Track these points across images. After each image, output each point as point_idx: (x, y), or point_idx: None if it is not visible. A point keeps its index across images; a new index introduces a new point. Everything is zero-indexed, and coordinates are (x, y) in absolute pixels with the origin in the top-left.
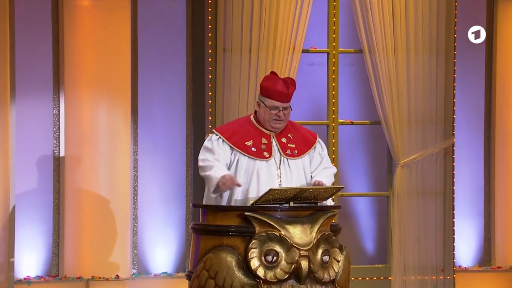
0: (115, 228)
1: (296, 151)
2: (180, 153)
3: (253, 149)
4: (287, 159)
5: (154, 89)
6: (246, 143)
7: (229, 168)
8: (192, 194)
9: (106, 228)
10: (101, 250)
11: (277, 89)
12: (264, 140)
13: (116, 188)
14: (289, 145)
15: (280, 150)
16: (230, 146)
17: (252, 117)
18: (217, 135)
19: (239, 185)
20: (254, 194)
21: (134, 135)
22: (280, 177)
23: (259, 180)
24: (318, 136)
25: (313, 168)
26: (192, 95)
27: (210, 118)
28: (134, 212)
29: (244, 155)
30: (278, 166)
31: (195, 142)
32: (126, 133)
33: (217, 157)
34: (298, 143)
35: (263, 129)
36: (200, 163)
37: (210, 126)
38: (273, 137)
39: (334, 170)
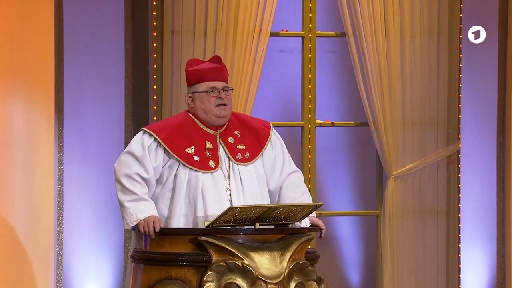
0: (34, 257)
1: (248, 154)
2: None
3: (195, 158)
4: (238, 165)
5: (84, 82)
6: (187, 150)
7: (164, 182)
8: None
9: (23, 257)
10: (17, 285)
11: (205, 67)
12: (208, 145)
13: (36, 206)
14: (238, 146)
15: (229, 155)
16: (168, 153)
17: (190, 113)
18: (151, 135)
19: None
20: (202, 215)
21: (59, 139)
22: (229, 189)
23: (205, 198)
24: (272, 126)
25: (277, 174)
26: (133, 89)
27: (155, 118)
28: (58, 237)
29: (185, 166)
30: (227, 176)
31: None
32: (48, 137)
33: (146, 174)
34: (249, 142)
35: (206, 128)
36: (123, 179)
37: None
38: (219, 140)
39: (300, 175)
